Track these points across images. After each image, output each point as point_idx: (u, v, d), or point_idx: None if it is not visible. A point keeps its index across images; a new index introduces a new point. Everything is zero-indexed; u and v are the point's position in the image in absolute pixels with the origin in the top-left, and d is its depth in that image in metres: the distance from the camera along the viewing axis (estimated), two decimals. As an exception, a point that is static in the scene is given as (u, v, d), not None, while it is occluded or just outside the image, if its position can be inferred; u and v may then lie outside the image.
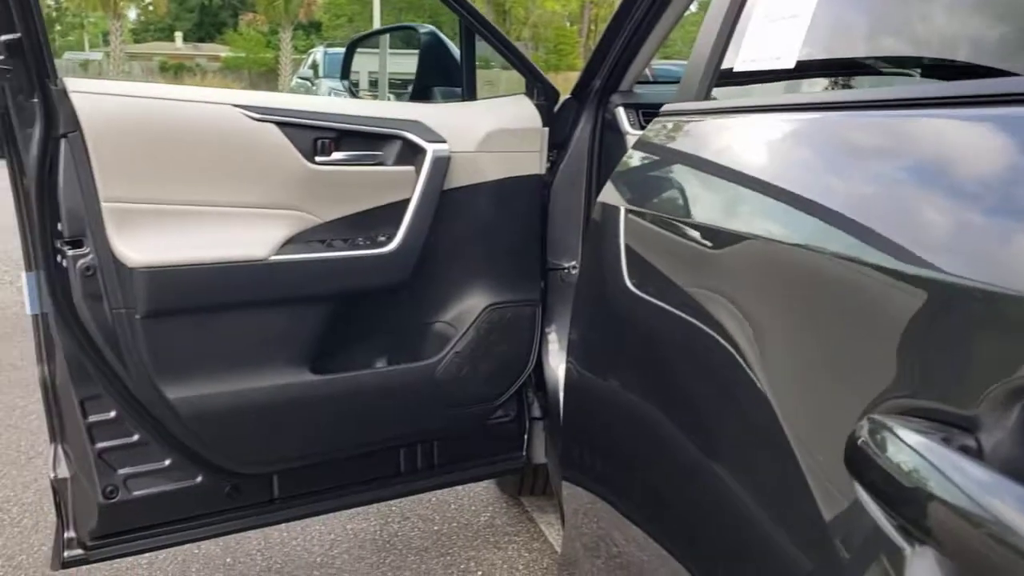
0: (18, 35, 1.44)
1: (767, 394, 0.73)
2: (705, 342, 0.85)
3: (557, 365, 2.11)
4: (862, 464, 0.57)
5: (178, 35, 43.72)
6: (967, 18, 0.86)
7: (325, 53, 15.33)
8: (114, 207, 1.55)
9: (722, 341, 0.82)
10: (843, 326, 0.66)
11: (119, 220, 1.56)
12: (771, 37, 1.02)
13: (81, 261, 1.55)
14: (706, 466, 0.86)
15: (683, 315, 0.93)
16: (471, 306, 2.00)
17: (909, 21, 0.95)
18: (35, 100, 1.49)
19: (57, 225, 1.55)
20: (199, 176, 1.64)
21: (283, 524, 2.43)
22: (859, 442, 0.57)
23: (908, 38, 0.96)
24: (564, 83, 2.14)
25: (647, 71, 2.27)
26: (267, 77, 33.26)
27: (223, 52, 39.58)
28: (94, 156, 1.52)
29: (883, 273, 0.61)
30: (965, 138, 0.66)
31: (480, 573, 2.33)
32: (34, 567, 2.25)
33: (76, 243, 1.56)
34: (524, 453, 2.22)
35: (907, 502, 0.53)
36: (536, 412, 2.22)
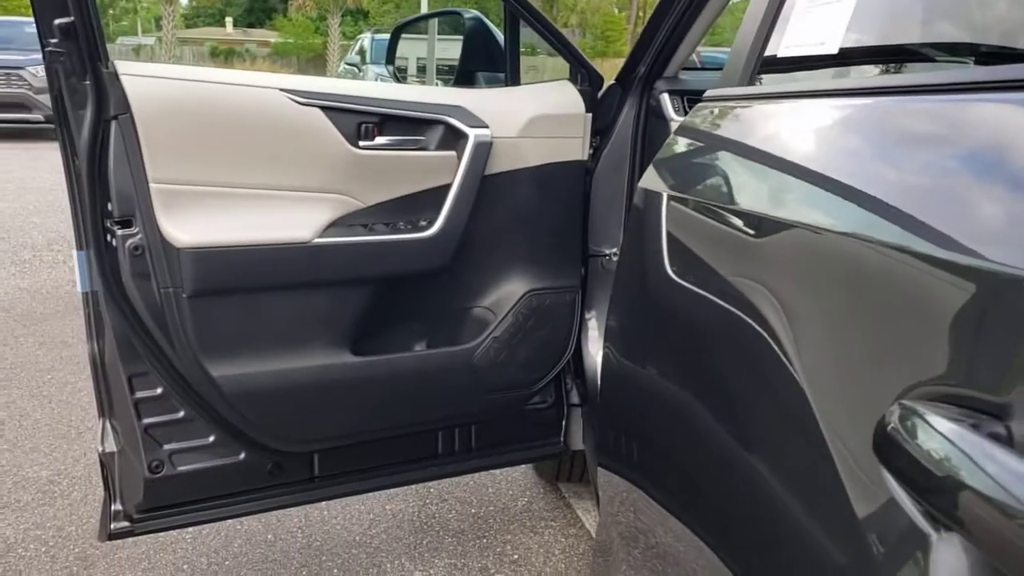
0: (71, 18, 1.47)
1: (808, 386, 0.72)
2: (745, 330, 0.84)
3: (596, 352, 2.11)
4: (890, 450, 0.57)
5: (228, 20, 44.24)
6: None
7: (372, 39, 15.40)
8: (162, 188, 1.58)
9: (761, 330, 0.81)
10: (883, 315, 0.65)
11: (167, 201, 1.59)
12: (816, 22, 1.00)
13: (130, 241, 1.59)
14: (742, 456, 0.85)
15: (723, 303, 0.92)
16: (510, 292, 2.00)
17: (959, 4, 0.93)
18: (87, 82, 1.52)
19: (107, 205, 1.59)
20: (245, 159, 1.66)
21: (323, 503, 2.48)
22: (889, 428, 0.56)
23: (958, 22, 0.94)
24: (611, 69, 2.13)
25: (695, 57, 2.25)
26: (315, 63, 33.52)
27: (272, 38, 39.97)
28: (143, 138, 1.55)
29: (923, 261, 0.60)
30: (1016, 123, 0.64)
31: (516, 557, 2.34)
32: (83, 538, 2.31)
33: (125, 223, 1.59)
34: (561, 439, 2.23)
35: (934, 488, 0.52)
36: (574, 399, 2.22)
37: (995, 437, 0.50)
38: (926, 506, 0.54)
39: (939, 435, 0.52)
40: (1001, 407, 0.51)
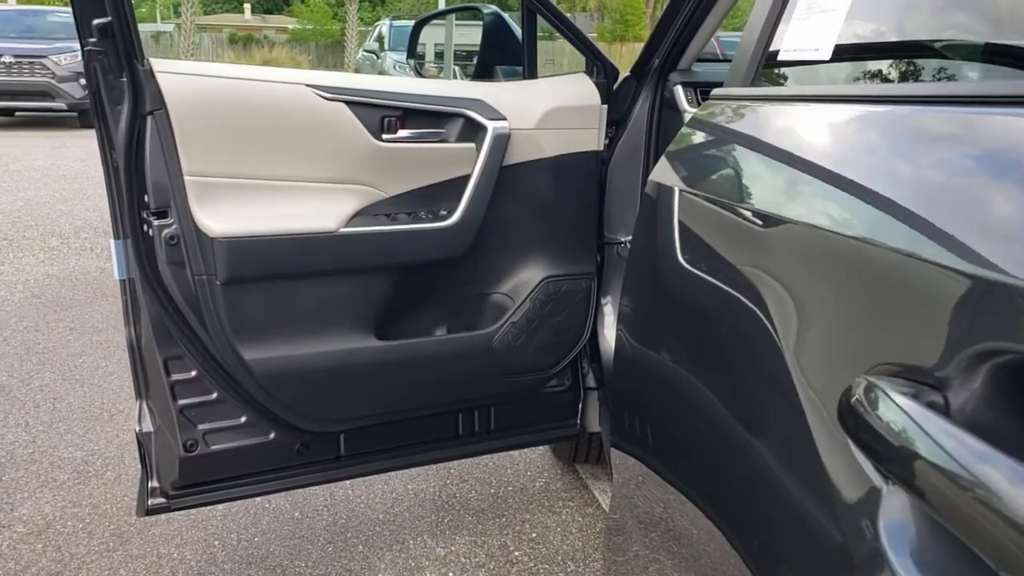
0: (109, 19, 1.54)
1: (807, 374, 0.77)
2: (743, 316, 0.90)
3: (612, 337, 2.16)
4: (852, 420, 0.63)
5: (247, 7, 44.28)
6: None
7: (391, 26, 15.40)
8: (196, 180, 1.65)
9: (760, 316, 0.86)
10: (879, 308, 0.69)
11: (201, 193, 1.66)
12: (812, 27, 1.06)
13: (166, 231, 1.66)
14: (745, 438, 0.89)
15: (727, 290, 0.97)
16: (528, 278, 2.06)
17: (953, 6, 0.97)
18: (124, 80, 1.59)
19: (144, 196, 1.66)
20: (274, 152, 1.73)
21: (348, 482, 2.56)
22: (852, 400, 0.63)
23: (953, 24, 0.98)
24: (631, 54, 2.19)
25: (715, 44, 2.29)
26: (333, 49, 33.48)
27: (290, 24, 39.96)
28: (178, 133, 1.62)
29: (913, 259, 0.65)
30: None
31: (535, 535, 2.41)
32: (118, 515, 2.41)
33: (161, 214, 1.66)
34: (578, 421, 2.30)
35: (892, 456, 0.59)
36: (591, 382, 2.28)
37: (932, 405, 0.57)
38: (886, 470, 0.61)
39: (892, 403, 0.59)
40: (939, 379, 0.58)
